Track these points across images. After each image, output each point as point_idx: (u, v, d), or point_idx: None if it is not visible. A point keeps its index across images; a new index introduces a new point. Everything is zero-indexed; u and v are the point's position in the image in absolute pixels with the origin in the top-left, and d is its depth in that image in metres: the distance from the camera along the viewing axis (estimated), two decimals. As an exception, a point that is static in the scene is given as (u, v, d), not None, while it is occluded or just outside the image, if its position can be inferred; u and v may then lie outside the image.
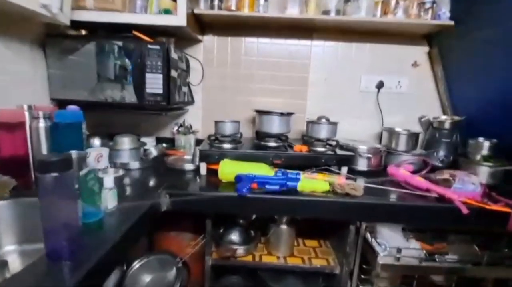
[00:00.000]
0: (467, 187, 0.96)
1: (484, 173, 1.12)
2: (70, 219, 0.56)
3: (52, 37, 1.09)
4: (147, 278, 1.07)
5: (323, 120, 1.26)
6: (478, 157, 1.16)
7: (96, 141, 1.27)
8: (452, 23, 1.23)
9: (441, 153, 1.33)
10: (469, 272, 0.95)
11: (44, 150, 0.90)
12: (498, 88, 1.15)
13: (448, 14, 1.24)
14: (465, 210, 0.88)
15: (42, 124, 0.89)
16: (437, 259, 0.95)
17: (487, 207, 0.89)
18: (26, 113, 0.92)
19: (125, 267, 1.02)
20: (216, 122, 1.21)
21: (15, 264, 0.76)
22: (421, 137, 1.42)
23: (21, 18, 0.96)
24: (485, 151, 1.15)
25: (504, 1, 0.99)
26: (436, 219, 0.95)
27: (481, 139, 1.18)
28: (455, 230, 1.04)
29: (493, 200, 0.95)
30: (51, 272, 0.51)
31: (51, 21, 0.94)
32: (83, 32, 1.17)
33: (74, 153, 0.88)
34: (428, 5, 1.24)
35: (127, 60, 1.09)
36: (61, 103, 1.11)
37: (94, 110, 1.15)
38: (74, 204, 0.56)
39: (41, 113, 0.89)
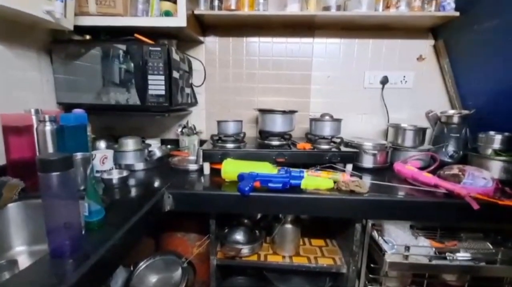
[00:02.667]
0: (478, 182, 0.93)
1: (496, 167, 1.07)
2: (72, 217, 0.56)
3: (57, 43, 1.12)
4: (153, 278, 1.07)
5: (327, 117, 1.24)
6: (489, 151, 1.12)
7: (102, 144, 1.29)
8: (457, 14, 1.19)
9: (450, 148, 1.29)
10: (484, 271, 0.91)
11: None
12: (508, 79, 1.11)
13: (453, 5, 1.20)
14: (475, 206, 0.84)
15: (48, 127, 0.91)
16: (447, 257, 0.92)
17: (500, 202, 0.86)
18: (34, 117, 0.94)
19: (131, 268, 1.03)
20: (219, 122, 1.21)
21: (25, 264, 0.77)
22: (429, 132, 1.39)
23: (27, 25, 0.99)
24: (496, 145, 1.11)
25: (511, -12, 0.96)
26: (446, 216, 0.91)
27: (492, 133, 1.14)
28: (467, 227, 1.00)
29: (506, 195, 0.91)
30: (55, 269, 0.52)
31: (56, 27, 0.96)
32: (87, 37, 1.20)
33: (78, 155, 0.90)
34: (432, -3, 1.21)
35: (131, 64, 1.11)
36: (68, 107, 1.14)
37: (100, 114, 1.18)
38: (76, 202, 0.57)
39: (47, 117, 0.91)
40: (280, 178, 0.95)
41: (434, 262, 0.90)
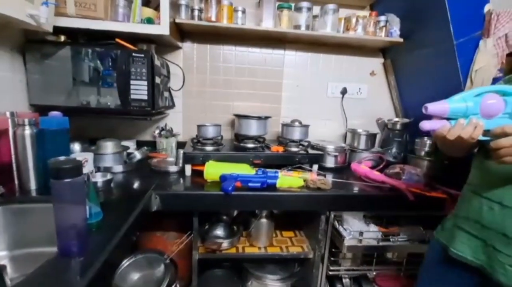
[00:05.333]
0: (413, 178, 1.17)
1: (427, 166, 1.34)
2: (80, 219, 0.61)
3: (33, 43, 1.08)
4: (135, 276, 1.11)
5: (297, 123, 1.40)
6: (423, 153, 1.39)
7: (76, 146, 1.28)
8: (401, 40, 1.44)
9: (394, 150, 1.55)
10: (417, 249, 1.15)
11: (30, 157, 0.92)
12: (437, 95, 1.38)
13: (398, 32, 1.45)
14: (411, 197, 1.07)
15: (27, 131, 0.90)
16: (391, 239, 1.14)
17: (428, 194, 1.10)
18: (9, 121, 0.92)
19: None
20: (199, 126, 1.28)
21: (8, 269, 0.77)
22: (378, 137, 1.64)
23: (2, 25, 0.95)
24: (428, 148, 1.38)
25: (437, 28, 1.22)
26: (390, 206, 1.14)
27: (425, 138, 1.41)
28: (405, 215, 1.25)
29: (433, 188, 1.16)
30: (68, 268, 0.57)
31: (35, 28, 0.94)
32: (62, 37, 1.17)
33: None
34: (382, 24, 1.44)
35: (112, 68, 1.12)
36: (41, 109, 1.11)
37: (74, 115, 1.16)
38: (83, 206, 0.62)
39: (26, 120, 0.90)
40: (258, 178, 1.07)
41: (381, 243, 1.12)
